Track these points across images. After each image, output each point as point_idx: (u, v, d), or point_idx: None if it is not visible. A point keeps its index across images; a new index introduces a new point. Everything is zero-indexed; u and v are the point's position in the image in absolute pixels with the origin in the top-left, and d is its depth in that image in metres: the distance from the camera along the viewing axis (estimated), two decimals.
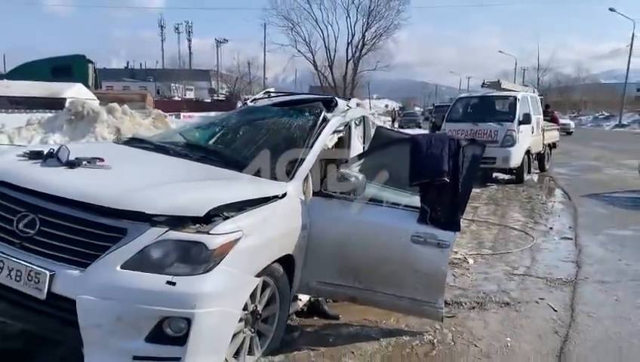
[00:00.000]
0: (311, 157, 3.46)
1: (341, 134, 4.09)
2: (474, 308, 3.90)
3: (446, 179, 3.24)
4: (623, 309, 3.95)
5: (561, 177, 11.98)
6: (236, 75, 26.42)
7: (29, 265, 2.30)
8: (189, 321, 2.29)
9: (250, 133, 3.85)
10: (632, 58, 43.70)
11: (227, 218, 2.55)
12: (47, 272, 2.27)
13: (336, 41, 38.75)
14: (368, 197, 3.34)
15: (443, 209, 3.25)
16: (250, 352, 2.88)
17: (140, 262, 2.30)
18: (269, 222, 2.82)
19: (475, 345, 3.29)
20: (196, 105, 23.76)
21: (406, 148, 3.50)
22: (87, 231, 2.33)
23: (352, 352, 3.15)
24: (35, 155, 2.77)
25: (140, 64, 66.04)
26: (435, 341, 3.33)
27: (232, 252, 2.49)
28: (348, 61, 37.44)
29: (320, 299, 3.80)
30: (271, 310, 3.00)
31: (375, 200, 3.39)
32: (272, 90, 5.85)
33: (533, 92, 13.53)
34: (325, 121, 3.75)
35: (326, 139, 3.70)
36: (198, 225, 2.45)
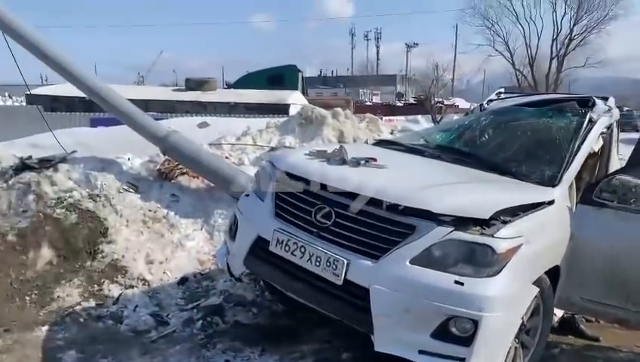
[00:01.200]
0: (577, 161, 3.20)
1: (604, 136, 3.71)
2: None
3: None
4: None
5: None
6: (432, 79, 26.41)
7: (328, 252, 2.54)
8: (475, 323, 2.28)
9: (504, 135, 3.72)
10: None
11: (505, 222, 2.48)
12: (345, 260, 2.48)
13: (538, 38, 35.91)
14: None
15: None
16: None
17: (427, 259, 2.37)
18: (543, 230, 2.68)
19: None
20: (389, 110, 24.29)
21: None
22: (379, 225, 2.48)
23: None
24: (320, 155, 3.08)
25: (332, 71, 70.07)
26: None
27: (514, 257, 2.41)
28: (552, 58, 34.32)
29: (576, 316, 3.49)
30: (534, 322, 2.84)
31: None
32: (501, 90, 5.59)
33: None
34: (592, 122, 3.43)
35: (593, 141, 3.38)
36: (478, 228, 2.43)
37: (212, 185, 5.11)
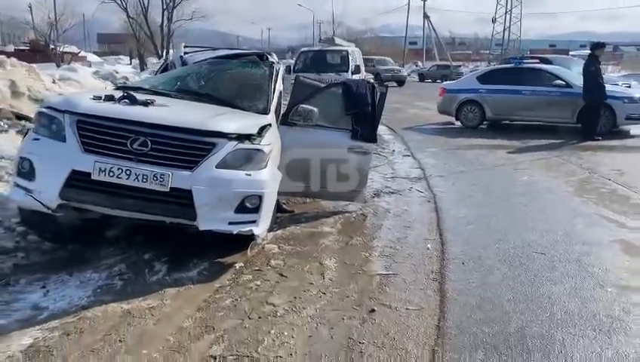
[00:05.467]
0: (276, 97, 4.88)
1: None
2: (374, 196, 5.87)
3: (369, 109, 5.01)
4: (458, 187, 6.43)
5: None
6: (51, 23, 23.62)
7: (153, 170, 3.38)
8: (260, 198, 3.67)
9: (224, 81, 5.03)
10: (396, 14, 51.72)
11: (261, 136, 3.90)
12: (170, 173, 3.40)
13: None
14: (318, 124, 4.93)
15: (366, 129, 5.03)
16: None
17: (226, 163, 3.58)
18: (275, 141, 4.24)
19: (389, 212, 5.27)
20: None
21: (337, 90, 5.15)
22: (189, 145, 3.50)
23: (322, 223, 4.83)
24: (108, 99, 3.70)
25: None
26: (364, 213, 5.20)
27: (271, 156, 3.89)
28: (163, 10, 36.31)
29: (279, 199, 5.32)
30: None
31: (322, 126, 5.00)
32: (183, 43, 6.76)
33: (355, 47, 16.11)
34: (277, 70, 5.15)
35: (280, 83, 5.12)
36: (248, 141, 3.77)
37: None
